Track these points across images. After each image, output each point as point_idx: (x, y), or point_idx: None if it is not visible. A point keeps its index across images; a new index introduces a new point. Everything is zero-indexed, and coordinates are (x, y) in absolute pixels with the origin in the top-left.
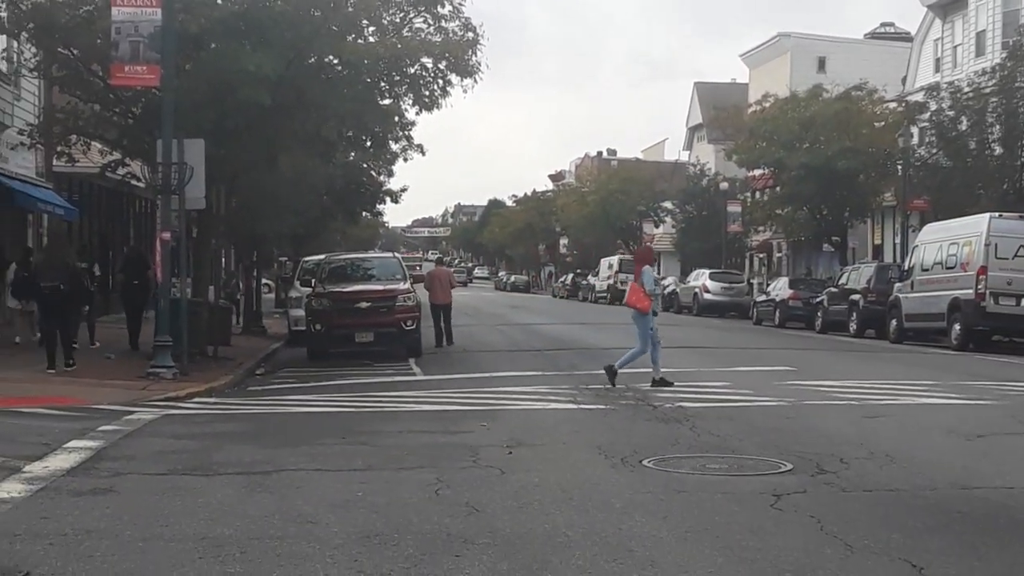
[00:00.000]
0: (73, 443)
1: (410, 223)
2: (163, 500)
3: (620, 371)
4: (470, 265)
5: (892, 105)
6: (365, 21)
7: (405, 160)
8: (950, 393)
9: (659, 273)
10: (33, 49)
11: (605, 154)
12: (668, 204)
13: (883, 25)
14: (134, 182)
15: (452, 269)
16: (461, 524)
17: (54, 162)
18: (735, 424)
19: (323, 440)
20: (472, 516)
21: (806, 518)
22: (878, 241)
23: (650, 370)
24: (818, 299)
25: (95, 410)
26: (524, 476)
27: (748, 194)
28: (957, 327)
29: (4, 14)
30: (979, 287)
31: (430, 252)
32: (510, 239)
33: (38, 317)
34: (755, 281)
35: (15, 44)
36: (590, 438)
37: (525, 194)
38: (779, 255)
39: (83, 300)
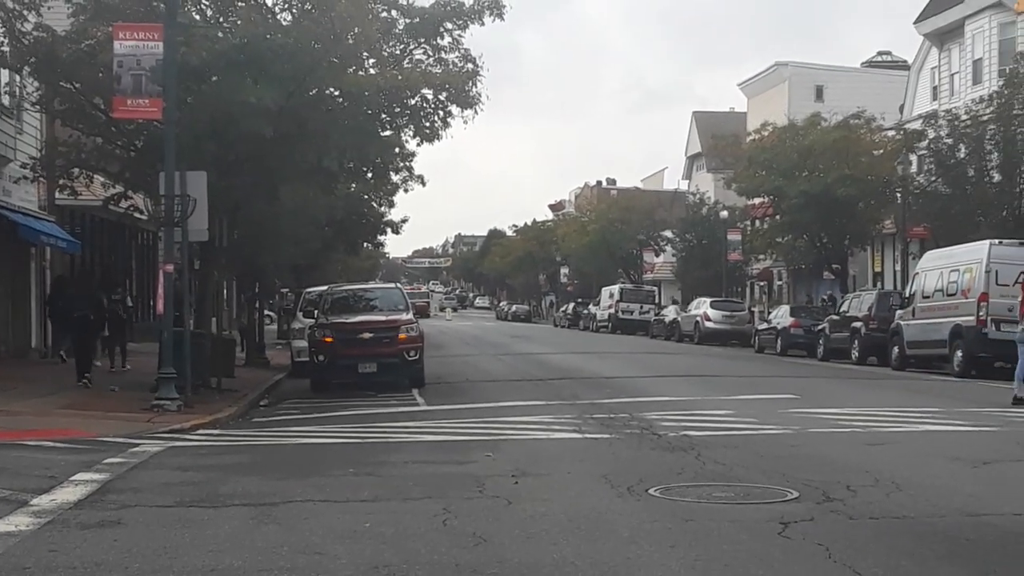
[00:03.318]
0: (79, 476)
1: (411, 253)
2: (170, 532)
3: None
4: (471, 294)
5: (890, 133)
6: (365, 53)
7: (406, 191)
8: (954, 420)
9: (659, 302)
10: (35, 83)
11: (605, 183)
12: (668, 233)
13: (880, 54)
14: (137, 215)
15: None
16: (469, 555)
17: (56, 195)
18: (740, 452)
19: (329, 471)
20: (480, 546)
21: (814, 546)
22: (878, 268)
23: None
24: (819, 327)
25: (100, 443)
26: (531, 506)
27: (748, 222)
28: (959, 354)
29: (6, 49)
30: (980, 314)
31: (431, 283)
32: (511, 268)
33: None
34: (756, 309)
35: (17, 78)
36: (595, 467)
37: (525, 224)
38: (779, 283)
39: (105, 326)
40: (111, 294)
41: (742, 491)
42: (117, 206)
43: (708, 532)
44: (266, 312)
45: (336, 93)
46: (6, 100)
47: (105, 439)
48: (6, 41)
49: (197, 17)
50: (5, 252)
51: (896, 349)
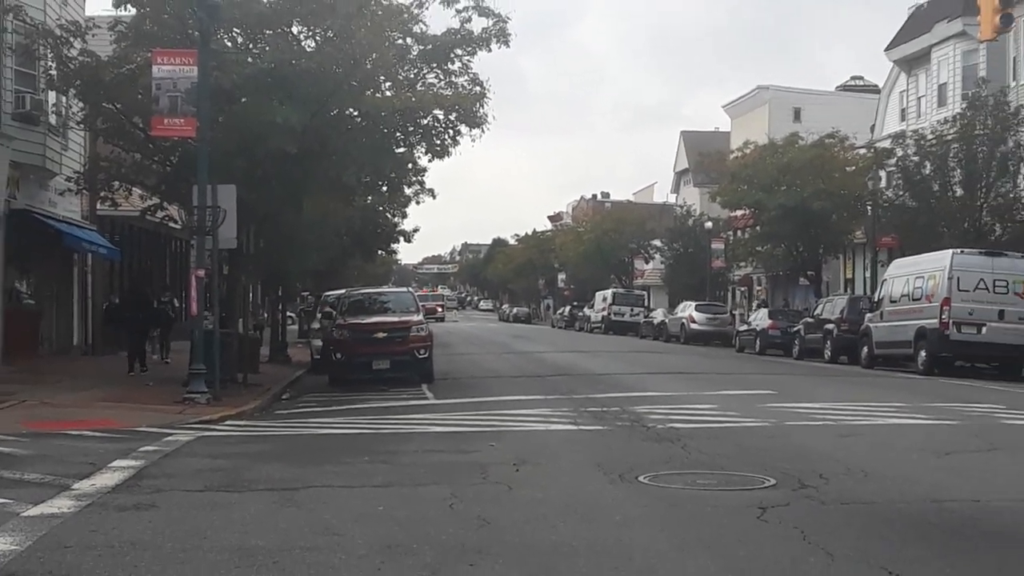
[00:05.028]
0: (117, 463)
1: (421, 260)
2: (201, 514)
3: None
4: (475, 298)
5: (862, 151)
6: (382, 77)
7: (417, 203)
8: (918, 414)
9: (649, 306)
10: (80, 104)
11: (599, 196)
12: (657, 242)
13: (853, 78)
14: (171, 224)
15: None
16: (474, 536)
17: (98, 206)
18: (722, 443)
19: (346, 459)
20: (484, 528)
21: (790, 529)
22: (850, 275)
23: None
24: (795, 328)
25: (136, 432)
26: (530, 492)
27: (730, 233)
28: (923, 354)
29: (54, 72)
30: (943, 317)
31: (439, 287)
32: (512, 274)
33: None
34: (737, 312)
35: (64, 99)
36: (590, 456)
37: (526, 233)
38: (759, 288)
39: (156, 326)
40: (160, 297)
41: (724, 478)
42: (153, 216)
43: (693, 516)
44: (288, 313)
45: (355, 114)
46: (53, 119)
47: (140, 429)
48: (54, 65)
49: (229, 44)
50: (51, 258)
51: (865, 349)
